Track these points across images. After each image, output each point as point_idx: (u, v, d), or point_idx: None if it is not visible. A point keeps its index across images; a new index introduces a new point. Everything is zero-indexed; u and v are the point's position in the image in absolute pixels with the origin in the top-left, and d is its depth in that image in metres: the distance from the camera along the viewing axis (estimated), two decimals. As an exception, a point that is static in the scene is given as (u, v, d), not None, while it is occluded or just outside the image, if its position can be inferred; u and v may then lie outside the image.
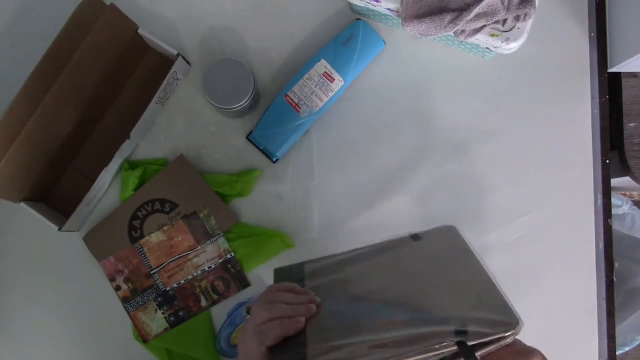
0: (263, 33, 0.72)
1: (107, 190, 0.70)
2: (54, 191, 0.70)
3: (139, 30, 0.67)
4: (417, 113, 0.72)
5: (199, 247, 0.69)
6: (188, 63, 0.70)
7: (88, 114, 0.68)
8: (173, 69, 0.66)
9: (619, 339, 0.73)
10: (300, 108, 0.68)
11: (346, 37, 0.69)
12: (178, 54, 0.66)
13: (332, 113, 0.71)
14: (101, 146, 0.70)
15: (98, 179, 0.64)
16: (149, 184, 0.69)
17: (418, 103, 0.72)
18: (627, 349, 1.07)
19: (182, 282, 0.68)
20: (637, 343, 1.07)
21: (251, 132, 0.70)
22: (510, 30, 0.61)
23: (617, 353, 0.71)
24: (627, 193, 1.26)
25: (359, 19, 0.71)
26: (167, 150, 0.71)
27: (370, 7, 0.64)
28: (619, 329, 0.72)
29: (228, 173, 0.70)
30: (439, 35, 0.61)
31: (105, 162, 0.65)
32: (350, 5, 0.70)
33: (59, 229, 0.64)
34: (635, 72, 0.74)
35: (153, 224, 0.69)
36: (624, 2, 0.72)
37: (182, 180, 0.69)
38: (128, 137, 0.66)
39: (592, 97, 0.73)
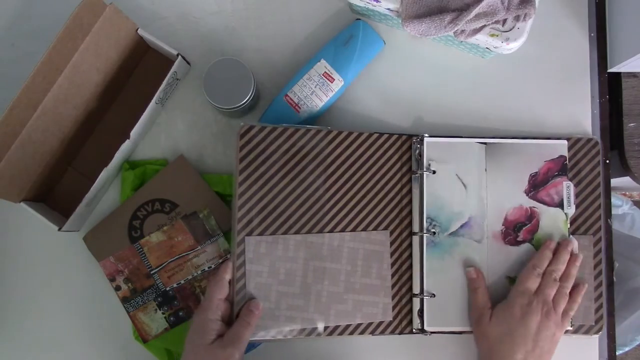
0: (263, 33, 0.72)
1: (107, 190, 0.70)
2: (54, 191, 0.70)
3: (139, 31, 0.67)
4: (417, 113, 0.72)
5: (199, 247, 0.69)
6: (188, 63, 0.70)
7: (88, 114, 0.68)
8: (173, 69, 0.66)
9: (619, 339, 0.73)
10: (300, 108, 0.68)
11: (346, 37, 0.69)
12: (178, 54, 0.66)
13: (332, 113, 0.71)
14: (101, 146, 0.70)
15: (98, 179, 0.64)
16: (149, 184, 0.69)
17: (418, 103, 0.72)
18: (627, 349, 1.07)
19: (182, 282, 0.68)
20: (637, 343, 1.07)
21: None
22: (510, 30, 0.61)
23: (617, 353, 0.71)
24: (627, 193, 1.26)
25: (359, 19, 0.71)
26: (167, 150, 0.71)
27: (370, 7, 0.64)
28: (619, 329, 0.72)
29: (228, 173, 0.70)
30: (439, 35, 0.61)
31: (105, 162, 0.65)
32: (350, 5, 0.70)
33: (59, 229, 0.64)
34: (635, 72, 0.75)
35: (153, 224, 0.69)
36: (624, 2, 0.72)
37: (182, 180, 0.69)
38: (128, 137, 0.66)
39: (592, 97, 0.73)
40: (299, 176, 0.65)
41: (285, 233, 0.64)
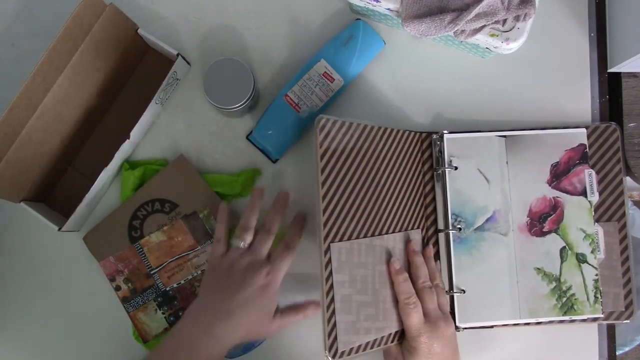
0: (263, 33, 0.72)
1: (107, 190, 0.70)
2: (54, 191, 0.70)
3: (139, 31, 0.67)
4: (417, 113, 0.72)
5: (199, 247, 0.69)
6: (188, 63, 0.70)
7: (88, 114, 0.68)
8: (173, 69, 0.66)
9: (619, 339, 0.73)
10: (300, 108, 0.68)
11: (346, 37, 0.69)
12: (178, 54, 0.66)
13: (332, 113, 0.71)
14: (101, 146, 0.70)
15: (98, 179, 0.65)
16: (149, 184, 0.69)
17: (418, 103, 0.72)
18: (627, 349, 1.07)
19: (182, 282, 0.68)
20: (637, 343, 1.07)
21: (251, 133, 0.70)
22: (510, 30, 0.61)
23: (617, 353, 0.71)
24: (627, 193, 1.25)
25: (359, 19, 0.70)
26: (167, 150, 0.71)
27: (370, 7, 0.64)
28: (619, 329, 0.72)
29: (228, 173, 0.70)
30: (439, 35, 0.61)
31: (105, 162, 0.65)
32: (350, 5, 0.70)
33: (59, 229, 0.64)
34: (635, 72, 0.74)
35: (153, 224, 0.69)
36: (624, 2, 0.72)
37: (182, 180, 0.69)
38: (128, 137, 0.66)
39: (592, 97, 0.73)
40: (370, 175, 0.62)
41: (357, 237, 0.60)
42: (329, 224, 0.58)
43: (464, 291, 0.65)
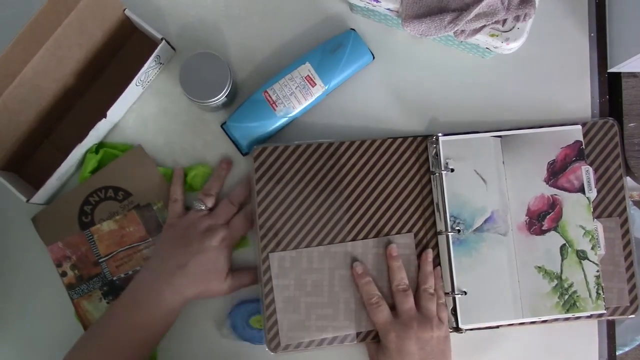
0: (251, 32, 0.72)
1: (80, 167, 0.70)
2: (28, 163, 0.70)
3: (126, 11, 0.66)
4: (416, 113, 0.72)
5: (150, 240, 0.68)
6: (173, 48, 0.70)
7: (67, 90, 0.68)
8: (156, 52, 0.66)
9: (619, 339, 0.73)
10: (277, 107, 0.67)
11: (335, 45, 0.68)
12: (162, 38, 0.66)
13: (325, 114, 0.71)
14: (80, 123, 0.69)
15: (71, 154, 0.64)
16: (104, 170, 0.68)
17: (417, 103, 0.72)
18: (627, 349, 1.07)
19: (130, 272, 0.68)
20: (637, 343, 1.07)
21: (226, 122, 0.69)
22: (510, 30, 0.61)
23: (617, 353, 0.71)
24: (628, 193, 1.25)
25: (353, 29, 0.70)
26: (138, 133, 0.70)
27: (370, 7, 0.64)
28: (619, 329, 0.72)
29: (195, 164, 0.70)
30: (439, 35, 0.61)
31: (81, 139, 0.65)
32: (351, 5, 0.70)
33: (27, 201, 0.64)
34: (635, 72, 0.74)
35: (104, 211, 0.68)
36: (624, 2, 0.72)
37: (139, 170, 0.68)
38: (104, 115, 0.65)
39: (592, 97, 0.73)
40: (316, 190, 0.66)
41: (308, 246, 0.65)
42: (267, 236, 0.65)
43: (466, 292, 0.65)
